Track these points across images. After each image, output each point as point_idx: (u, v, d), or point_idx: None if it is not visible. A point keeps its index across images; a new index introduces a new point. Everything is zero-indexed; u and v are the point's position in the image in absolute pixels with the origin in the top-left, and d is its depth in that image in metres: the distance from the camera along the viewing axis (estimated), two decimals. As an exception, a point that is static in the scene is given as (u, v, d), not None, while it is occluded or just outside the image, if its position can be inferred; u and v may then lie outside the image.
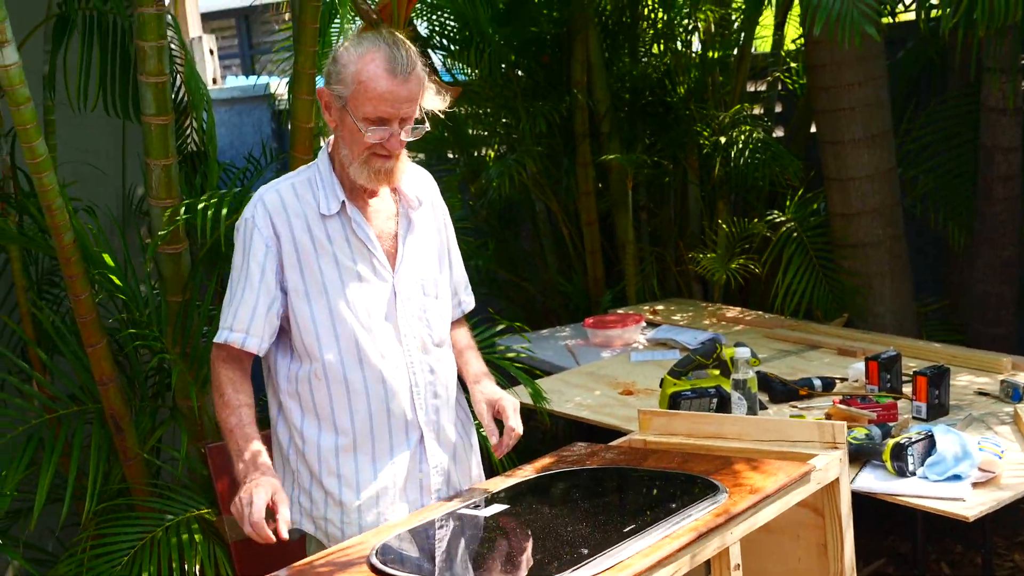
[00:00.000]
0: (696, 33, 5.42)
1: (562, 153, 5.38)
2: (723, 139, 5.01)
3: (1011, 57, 4.32)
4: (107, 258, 3.26)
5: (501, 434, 2.41)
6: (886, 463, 2.89)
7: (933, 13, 4.67)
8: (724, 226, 4.97)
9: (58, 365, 3.48)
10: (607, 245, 5.44)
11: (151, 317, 3.31)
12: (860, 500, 2.75)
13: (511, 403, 2.44)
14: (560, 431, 4.84)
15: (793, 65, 5.45)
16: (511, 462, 2.99)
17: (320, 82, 2.40)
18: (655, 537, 2.03)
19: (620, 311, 4.85)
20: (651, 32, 5.46)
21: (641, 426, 2.71)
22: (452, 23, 5.20)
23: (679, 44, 5.41)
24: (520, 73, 5.33)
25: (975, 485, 2.81)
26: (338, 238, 2.38)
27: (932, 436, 2.91)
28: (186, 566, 3.05)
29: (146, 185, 3.33)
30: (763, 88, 5.62)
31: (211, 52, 7.21)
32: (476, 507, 2.28)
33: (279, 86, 6.12)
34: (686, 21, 5.33)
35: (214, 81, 7.30)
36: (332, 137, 2.42)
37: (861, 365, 3.58)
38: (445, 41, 5.27)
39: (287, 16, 4.73)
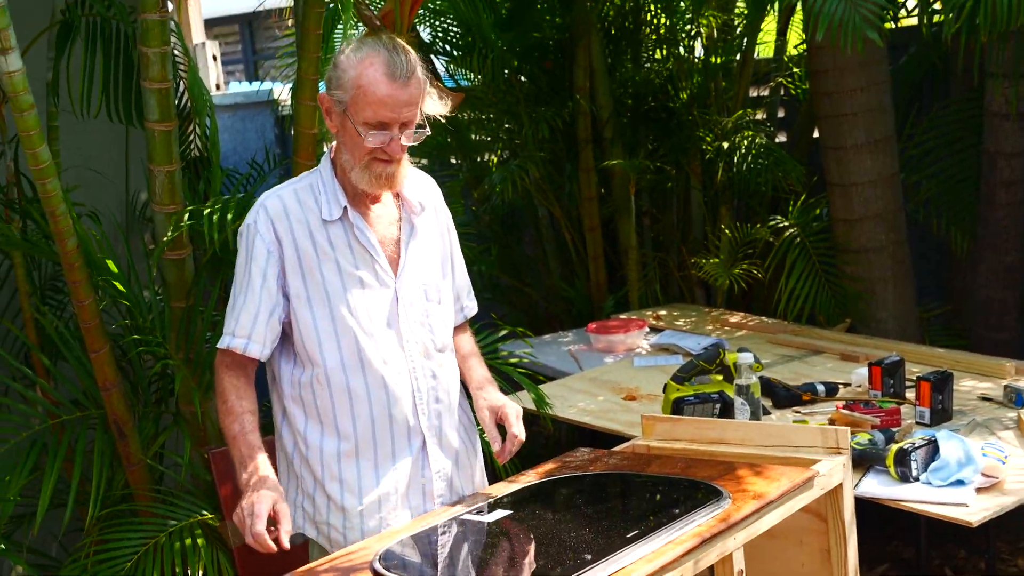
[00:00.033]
0: (699, 38, 5.42)
1: (565, 158, 5.39)
2: (726, 144, 5.01)
3: (1014, 62, 4.32)
4: (110, 264, 3.27)
5: (504, 440, 2.41)
6: (889, 468, 2.89)
7: (936, 18, 4.68)
8: (727, 231, 4.97)
9: (61, 371, 3.48)
10: (610, 250, 5.45)
11: (154, 323, 3.32)
12: (863, 505, 2.75)
13: (514, 410, 2.44)
14: (563, 436, 4.85)
15: (796, 70, 5.46)
16: (514, 467, 2.99)
17: (323, 88, 2.41)
18: (658, 543, 2.02)
19: (623, 316, 4.84)
20: (654, 37, 5.47)
21: (644, 431, 2.71)
22: (455, 29, 5.21)
23: (682, 49, 5.41)
24: (523, 79, 5.33)
25: (978, 490, 2.81)
26: (340, 244, 2.38)
27: (935, 441, 2.91)
28: (189, 571, 3.05)
29: (149, 191, 3.34)
30: (766, 93, 5.63)
31: (214, 58, 7.22)
32: (479, 512, 2.28)
33: (282, 92, 6.14)
34: (688, 26, 5.34)
35: (217, 87, 7.31)
36: (335, 143, 2.42)
37: (864, 370, 3.58)
38: (448, 47, 5.28)
39: (290, 22, 4.75)
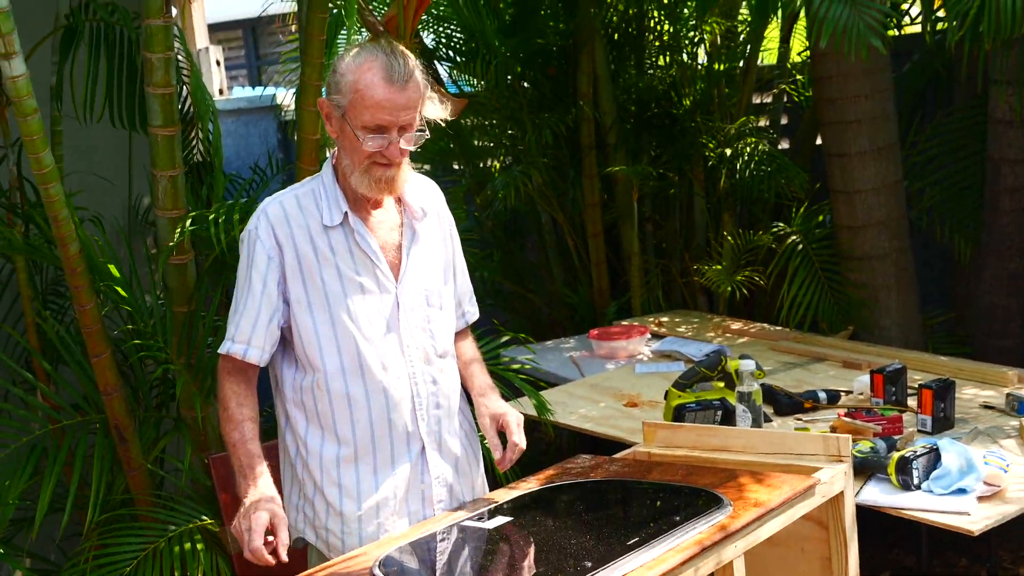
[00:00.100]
0: (702, 45, 5.43)
1: (568, 165, 5.39)
2: (729, 151, 5.01)
3: (1018, 69, 4.32)
4: (113, 269, 3.27)
5: (505, 448, 2.40)
6: (891, 476, 2.88)
7: (939, 26, 4.68)
8: (729, 238, 4.97)
9: (62, 375, 3.48)
10: (612, 257, 5.44)
11: (156, 327, 3.32)
12: (864, 513, 2.74)
13: (515, 417, 2.43)
14: (564, 443, 4.84)
15: (799, 77, 5.45)
16: (515, 474, 2.98)
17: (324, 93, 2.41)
18: (659, 550, 2.02)
19: (625, 323, 4.84)
20: (657, 44, 5.47)
21: (645, 438, 2.71)
22: (458, 35, 5.21)
23: (685, 56, 5.41)
24: (526, 85, 5.34)
25: (980, 499, 2.80)
26: (341, 249, 2.38)
27: (937, 449, 2.90)
28: (188, 576, 3.05)
29: (152, 196, 3.34)
30: (769, 100, 5.63)
31: (218, 63, 7.22)
32: (479, 519, 2.28)
33: (285, 97, 6.15)
34: (692, 33, 5.34)
35: (220, 92, 7.31)
36: (336, 148, 2.42)
37: (866, 378, 3.58)
38: (451, 53, 5.29)
39: (294, 27, 4.75)
